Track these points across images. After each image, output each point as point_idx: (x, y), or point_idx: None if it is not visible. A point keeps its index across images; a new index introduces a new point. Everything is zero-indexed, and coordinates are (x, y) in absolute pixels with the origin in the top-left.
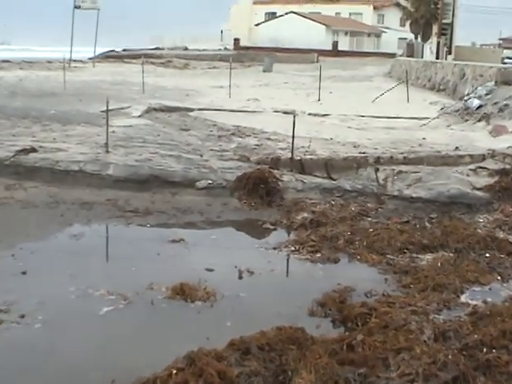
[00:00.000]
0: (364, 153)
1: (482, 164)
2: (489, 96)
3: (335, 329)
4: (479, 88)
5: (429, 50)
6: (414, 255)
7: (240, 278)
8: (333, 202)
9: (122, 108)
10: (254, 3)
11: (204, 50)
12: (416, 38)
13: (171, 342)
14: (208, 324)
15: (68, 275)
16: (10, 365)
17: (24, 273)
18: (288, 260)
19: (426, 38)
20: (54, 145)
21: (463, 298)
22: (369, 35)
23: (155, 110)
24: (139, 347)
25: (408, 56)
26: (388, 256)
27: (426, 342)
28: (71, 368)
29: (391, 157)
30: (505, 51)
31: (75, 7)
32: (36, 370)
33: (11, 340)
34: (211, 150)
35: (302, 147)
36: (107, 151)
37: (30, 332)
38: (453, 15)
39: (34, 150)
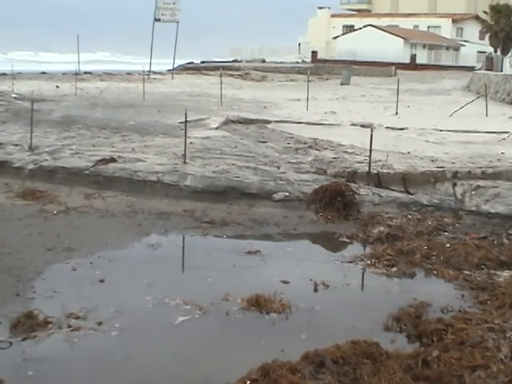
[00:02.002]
0: (441, 167)
1: None
2: None
3: (410, 344)
4: None
5: (508, 63)
6: (492, 271)
7: (315, 290)
8: (409, 217)
9: (200, 119)
10: (332, 16)
11: (282, 62)
12: (495, 51)
13: (245, 353)
14: (283, 336)
15: (145, 284)
16: (88, 371)
17: (102, 281)
18: (364, 274)
19: (505, 52)
20: (132, 155)
21: None
22: (447, 48)
23: (233, 121)
24: (213, 357)
25: (487, 69)
26: (465, 272)
27: (502, 360)
28: (146, 376)
29: (469, 171)
30: None
31: (155, 20)
32: (112, 376)
33: (89, 346)
34: (288, 162)
35: (379, 161)
36: (185, 162)
37: (107, 339)
38: None
39: (113, 160)
